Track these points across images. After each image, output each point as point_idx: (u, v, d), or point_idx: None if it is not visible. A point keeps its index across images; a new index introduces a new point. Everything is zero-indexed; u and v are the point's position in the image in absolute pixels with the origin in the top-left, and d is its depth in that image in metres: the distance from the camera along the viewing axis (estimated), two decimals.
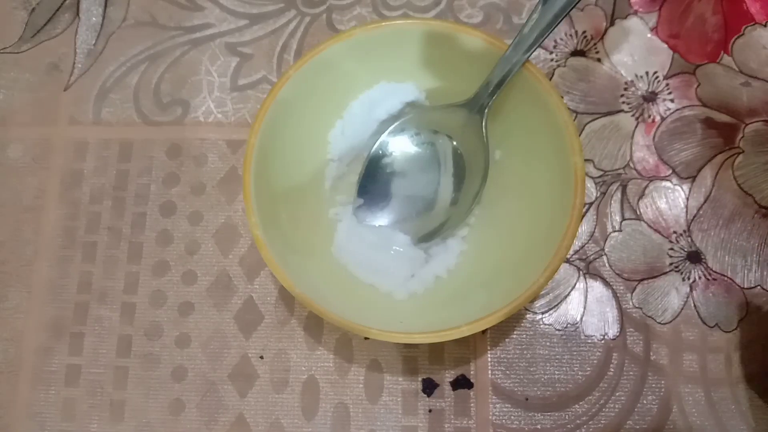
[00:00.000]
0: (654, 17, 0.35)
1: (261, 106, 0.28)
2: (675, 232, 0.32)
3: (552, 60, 0.35)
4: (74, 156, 0.34)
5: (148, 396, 0.30)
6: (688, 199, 0.32)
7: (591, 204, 0.32)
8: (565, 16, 0.27)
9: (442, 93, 0.31)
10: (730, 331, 0.30)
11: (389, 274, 0.29)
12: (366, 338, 0.31)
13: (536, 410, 0.29)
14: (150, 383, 0.31)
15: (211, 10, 0.37)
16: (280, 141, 0.28)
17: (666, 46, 0.35)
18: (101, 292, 0.32)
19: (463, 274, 0.29)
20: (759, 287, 0.31)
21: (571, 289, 0.31)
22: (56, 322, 0.32)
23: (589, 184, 0.32)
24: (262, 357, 0.31)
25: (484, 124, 0.29)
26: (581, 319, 0.31)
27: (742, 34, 0.34)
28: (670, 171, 0.32)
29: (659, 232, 0.32)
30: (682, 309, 0.31)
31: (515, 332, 0.31)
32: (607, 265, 0.31)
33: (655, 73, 0.34)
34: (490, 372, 0.30)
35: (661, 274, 0.31)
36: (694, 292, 0.31)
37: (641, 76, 0.34)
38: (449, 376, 0.30)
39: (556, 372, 0.30)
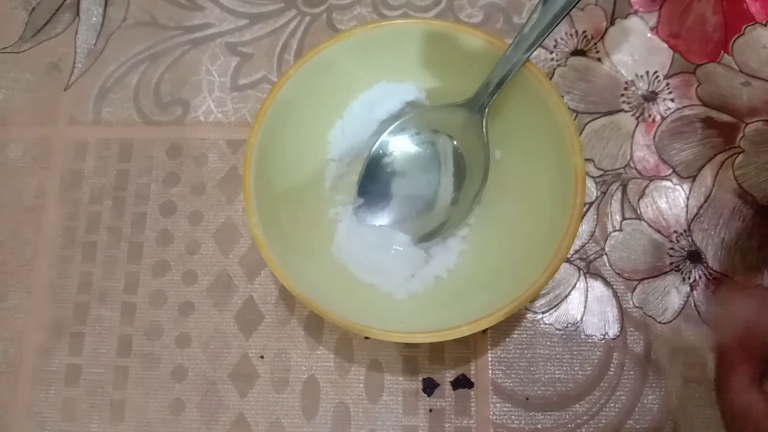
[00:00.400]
0: (654, 17, 0.35)
1: (261, 106, 0.28)
2: (675, 232, 0.32)
3: (552, 60, 0.35)
4: (74, 156, 0.34)
5: (149, 396, 0.30)
6: (688, 198, 0.32)
7: (591, 204, 0.32)
8: (566, 15, 0.27)
9: (442, 93, 0.31)
10: None
11: (389, 274, 0.29)
12: (366, 338, 0.31)
13: (537, 410, 0.29)
14: (150, 383, 0.31)
15: (211, 10, 0.37)
16: (280, 141, 0.28)
17: (666, 45, 0.35)
18: (101, 292, 0.32)
19: (463, 274, 0.29)
20: (759, 287, 0.31)
21: (572, 289, 0.31)
22: (56, 322, 0.32)
23: (590, 184, 0.32)
24: (262, 357, 0.31)
25: (484, 123, 0.29)
26: (581, 318, 0.31)
27: (743, 34, 0.34)
28: (671, 170, 0.32)
29: (659, 232, 0.32)
30: (682, 308, 0.31)
31: (515, 332, 0.31)
32: (607, 264, 0.31)
33: (656, 72, 0.34)
34: (490, 371, 0.30)
35: (661, 274, 0.31)
36: (694, 291, 0.31)
37: (641, 76, 0.34)
38: (450, 375, 0.30)
39: (557, 371, 0.30)
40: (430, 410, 0.30)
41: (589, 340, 0.30)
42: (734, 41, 0.34)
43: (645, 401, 0.29)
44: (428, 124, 0.30)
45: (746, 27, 0.35)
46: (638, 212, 0.32)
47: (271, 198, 0.28)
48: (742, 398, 0.16)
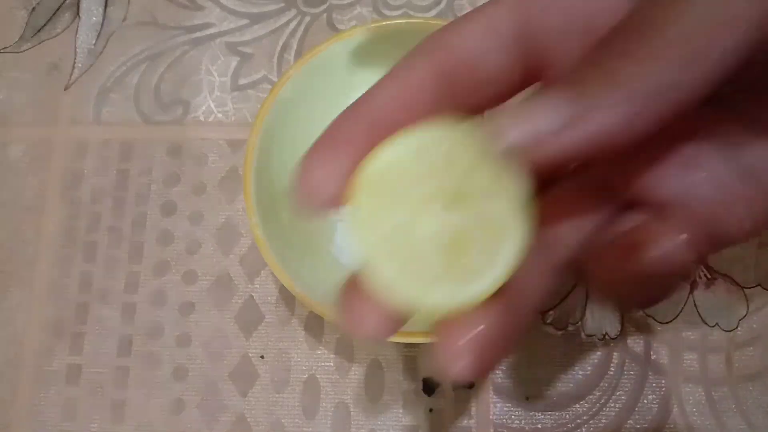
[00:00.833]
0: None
1: (261, 106, 0.28)
2: None
3: None
4: (74, 156, 0.34)
5: (149, 396, 0.30)
6: None
7: None
8: None
9: None
10: (730, 331, 0.30)
11: None
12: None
13: (537, 410, 0.29)
14: (151, 383, 0.31)
15: (211, 10, 0.37)
16: (281, 141, 0.28)
17: None
18: (102, 291, 0.32)
19: None
20: (759, 287, 0.31)
21: (572, 289, 0.31)
22: (57, 321, 0.32)
23: None
24: (262, 356, 0.31)
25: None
26: (581, 318, 0.31)
27: None
28: None
29: None
30: (682, 309, 0.31)
31: None
32: None
33: None
34: None
35: None
36: (694, 291, 0.31)
37: None
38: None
39: (557, 371, 0.30)
40: (430, 410, 0.30)
41: (589, 341, 0.30)
42: None
43: (645, 401, 0.29)
44: None
45: None
46: None
47: (271, 198, 0.28)
48: None
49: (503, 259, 0.14)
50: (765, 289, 0.31)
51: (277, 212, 0.28)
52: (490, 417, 0.29)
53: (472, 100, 0.16)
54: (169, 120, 0.35)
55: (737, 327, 0.30)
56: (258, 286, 0.32)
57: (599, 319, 0.31)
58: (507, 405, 0.30)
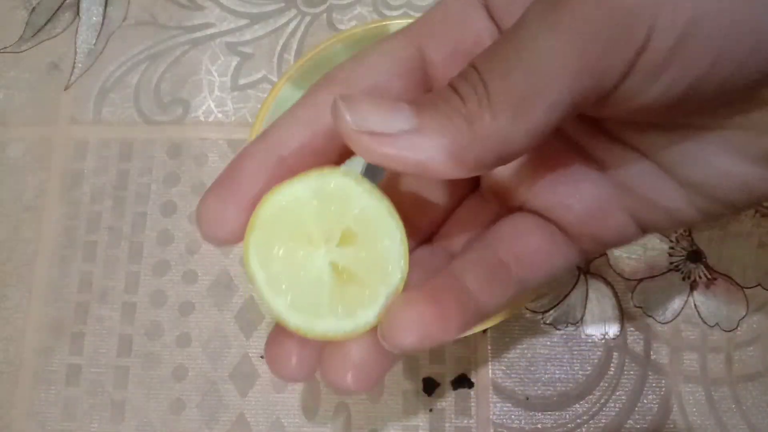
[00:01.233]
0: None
1: (261, 106, 0.28)
2: (675, 232, 0.32)
3: None
4: (74, 156, 0.34)
5: (149, 395, 0.30)
6: None
7: None
8: None
9: None
10: (730, 331, 0.30)
11: None
12: None
13: (537, 409, 0.29)
14: (151, 383, 0.31)
15: (211, 10, 0.37)
16: None
17: None
18: (102, 291, 0.32)
19: None
20: (759, 287, 0.31)
21: (572, 289, 0.31)
22: (56, 321, 0.32)
23: None
24: (262, 357, 0.31)
25: None
26: (581, 318, 0.31)
27: None
28: None
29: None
30: (682, 308, 0.31)
31: (516, 332, 0.31)
32: (607, 264, 0.31)
33: None
34: (490, 371, 0.30)
35: (661, 274, 0.31)
36: (694, 291, 0.31)
37: None
38: (450, 375, 0.30)
39: (557, 371, 0.30)
40: (431, 410, 0.30)
41: (589, 340, 0.30)
42: None
43: (645, 401, 0.29)
44: None
45: None
46: None
47: None
48: None
49: (384, 294, 0.16)
50: (765, 289, 0.31)
51: None
52: (490, 417, 0.29)
53: None
54: (169, 120, 0.35)
55: (737, 327, 0.30)
56: None
57: (599, 319, 0.31)
58: (507, 405, 0.30)
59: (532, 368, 0.30)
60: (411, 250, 0.16)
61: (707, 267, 0.31)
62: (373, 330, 0.16)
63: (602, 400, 0.29)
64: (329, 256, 0.16)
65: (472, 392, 0.30)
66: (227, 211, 0.16)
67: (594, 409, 0.29)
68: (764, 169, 0.15)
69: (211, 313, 0.31)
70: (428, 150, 0.14)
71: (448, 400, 0.30)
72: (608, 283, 0.31)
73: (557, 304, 0.31)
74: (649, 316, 0.31)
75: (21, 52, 0.37)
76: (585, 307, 0.31)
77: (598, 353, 0.30)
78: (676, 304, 0.31)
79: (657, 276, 0.31)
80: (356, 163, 0.22)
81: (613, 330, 0.30)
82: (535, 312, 0.31)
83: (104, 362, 0.31)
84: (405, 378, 0.30)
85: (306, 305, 0.16)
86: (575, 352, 0.30)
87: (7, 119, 0.35)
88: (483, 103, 0.14)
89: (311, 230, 0.16)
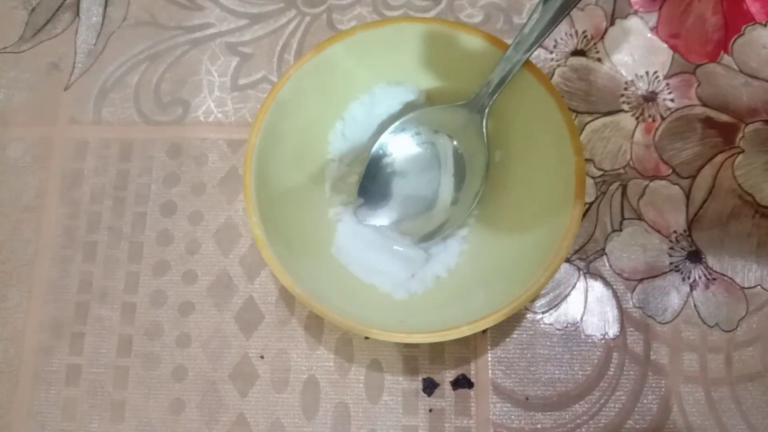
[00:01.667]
0: (654, 17, 0.35)
1: (261, 106, 0.28)
2: (675, 232, 0.32)
3: (552, 60, 0.35)
4: (74, 156, 0.34)
5: (149, 396, 0.30)
6: (688, 198, 0.32)
7: (591, 204, 0.32)
8: (566, 15, 0.27)
9: (442, 93, 0.31)
10: (730, 331, 0.30)
11: (389, 274, 0.30)
12: (366, 338, 0.31)
13: (536, 410, 0.29)
14: (150, 383, 0.31)
15: (211, 10, 0.37)
16: (281, 141, 0.28)
17: (666, 45, 0.35)
18: (102, 291, 0.32)
19: (464, 274, 0.29)
20: (759, 287, 0.31)
21: (572, 289, 0.31)
22: (56, 321, 0.32)
23: (589, 184, 0.32)
24: (262, 357, 0.31)
25: (484, 124, 0.29)
26: (581, 318, 0.31)
27: (743, 34, 0.35)
28: (671, 170, 0.33)
29: (659, 232, 0.32)
30: (682, 309, 0.31)
31: (515, 332, 0.31)
32: (607, 264, 0.31)
33: (655, 72, 0.34)
34: (490, 371, 0.30)
35: (661, 274, 0.31)
36: (694, 291, 0.31)
37: (641, 76, 0.34)
38: (450, 375, 0.30)
39: (557, 371, 0.30)
40: (430, 410, 0.30)
41: (589, 340, 0.30)
42: (734, 41, 0.34)
43: (645, 401, 0.29)
44: (428, 124, 0.30)
45: (746, 27, 0.35)
46: (638, 212, 0.32)
47: (271, 198, 0.28)
48: None
49: None
50: (765, 289, 0.31)
51: (277, 212, 0.28)
52: (490, 417, 0.29)
53: None
54: (169, 120, 0.35)
55: (737, 327, 0.30)
56: (258, 286, 0.32)
57: (599, 319, 0.31)
58: (507, 405, 0.30)
59: (531, 368, 0.30)
60: None
61: (707, 267, 0.31)
62: None
63: (602, 401, 0.29)
64: None
65: (471, 392, 0.30)
66: None
67: (594, 410, 0.29)
68: None
69: (211, 313, 0.31)
70: None
71: (447, 401, 0.30)
72: (608, 284, 0.31)
73: (557, 304, 0.31)
74: (649, 317, 0.31)
75: (21, 52, 0.37)
76: (585, 308, 0.31)
77: (598, 353, 0.30)
78: (676, 304, 0.31)
79: (657, 276, 0.31)
80: None
81: (612, 330, 0.30)
82: (535, 312, 0.31)
83: (104, 362, 0.31)
84: (405, 378, 0.30)
85: None
86: (575, 353, 0.30)
87: (7, 119, 0.35)
88: None
89: None
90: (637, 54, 0.35)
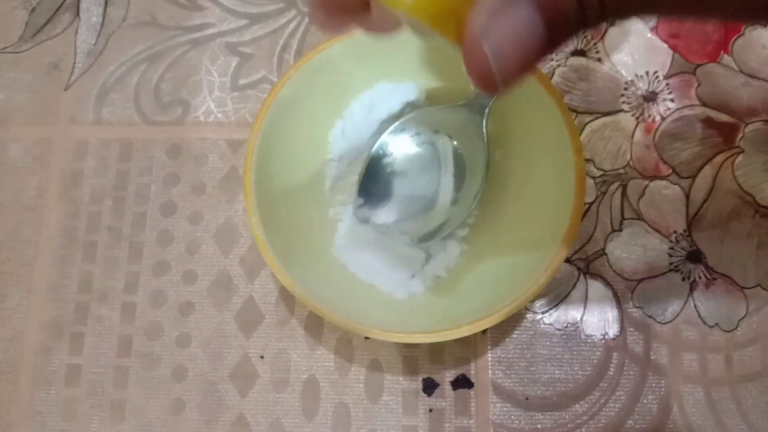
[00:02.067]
0: (654, 17, 0.35)
1: (261, 106, 0.28)
2: (675, 232, 0.32)
3: (552, 60, 0.35)
4: (74, 156, 0.34)
5: (149, 396, 0.30)
6: (688, 198, 0.32)
7: (591, 204, 0.32)
8: None
9: (442, 93, 0.31)
10: (730, 331, 0.30)
11: (389, 274, 0.30)
12: (366, 338, 0.31)
13: (536, 410, 0.29)
14: (150, 383, 0.31)
15: (211, 10, 0.37)
16: (281, 141, 0.28)
17: (666, 45, 0.35)
18: (101, 291, 0.32)
19: (463, 274, 0.29)
20: (759, 287, 0.31)
21: (572, 289, 0.31)
22: (56, 321, 0.32)
23: (589, 184, 0.32)
24: (262, 357, 0.31)
25: (484, 124, 0.29)
26: (581, 318, 0.31)
27: (742, 34, 0.35)
28: (671, 171, 0.33)
29: (659, 232, 0.32)
30: (682, 309, 0.31)
31: (515, 332, 0.31)
32: (607, 264, 0.31)
33: (655, 72, 0.34)
34: (490, 372, 0.30)
35: (661, 274, 0.31)
36: (694, 291, 0.31)
37: (641, 76, 0.34)
38: (450, 375, 0.30)
39: (557, 372, 0.30)
40: (430, 410, 0.30)
41: (589, 340, 0.30)
42: (734, 41, 0.34)
43: (645, 401, 0.29)
44: (428, 124, 0.30)
45: (746, 27, 0.35)
46: (638, 212, 0.32)
47: (271, 198, 0.28)
48: None
49: None
50: (765, 289, 0.31)
51: (277, 212, 0.28)
52: (490, 417, 0.29)
53: None
54: (169, 120, 0.35)
55: (737, 327, 0.30)
56: (258, 286, 0.32)
57: (599, 319, 0.31)
58: (507, 405, 0.30)
59: (531, 368, 0.30)
60: None
61: (707, 267, 0.31)
62: None
63: (602, 401, 0.29)
64: None
65: (471, 392, 0.30)
66: None
67: (594, 410, 0.29)
68: None
69: (211, 313, 0.31)
70: None
71: (447, 401, 0.30)
72: (608, 284, 0.31)
73: (557, 304, 0.31)
74: (649, 317, 0.31)
75: (21, 52, 0.37)
76: (585, 308, 0.31)
77: (598, 353, 0.30)
78: (676, 304, 0.31)
79: (657, 276, 0.31)
80: None
81: (612, 330, 0.30)
82: (535, 312, 0.31)
83: (104, 362, 0.31)
84: (405, 378, 0.30)
85: None
86: (575, 353, 0.30)
87: (7, 119, 0.35)
88: None
89: None
90: (637, 54, 0.35)
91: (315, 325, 0.31)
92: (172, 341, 0.31)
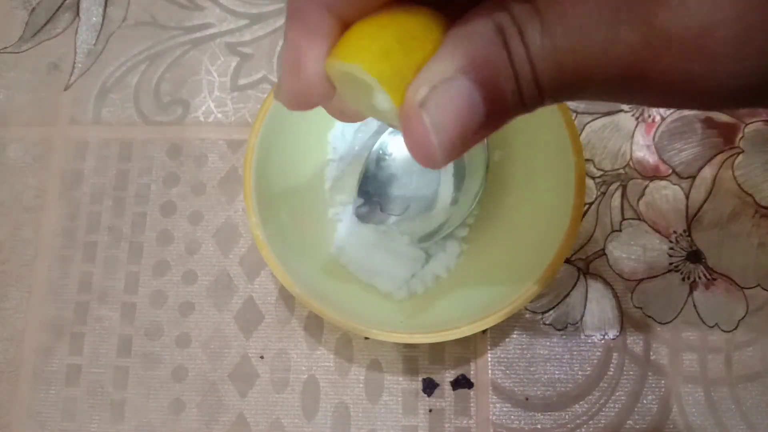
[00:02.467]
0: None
1: (261, 106, 0.28)
2: (675, 232, 0.32)
3: None
4: (74, 156, 0.34)
5: (149, 396, 0.30)
6: (688, 198, 0.32)
7: (591, 204, 0.32)
8: None
9: None
10: (730, 331, 0.30)
11: (389, 274, 0.30)
12: (366, 338, 0.31)
13: (536, 410, 0.29)
14: (150, 383, 0.31)
15: (211, 10, 0.37)
16: (281, 141, 0.28)
17: None
18: (101, 291, 0.32)
19: (463, 274, 0.29)
20: (759, 287, 0.31)
21: (571, 289, 0.31)
22: (56, 321, 0.32)
23: (589, 184, 0.32)
24: (262, 357, 0.31)
25: None
26: (581, 319, 0.31)
27: None
28: (671, 171, 0.33)
29: (659, 232, 0.32)
30: (682, 309, 0.31)
31: (515, 332, 0.31)
32: (607, 265, 0.31)
33: None
34: (490, 372, 0.30)
35: (661, 274, 0.31)
36: (694, 291, 0.31)
37: None
38: (449, 375, 0.30)
39: (556, 372, 0.30)
40: (430, 410, 0.30)
41: (589, 341, 0.30)
42: None
43: (645, 401, 0.29)
44: None
45: None
46: (638, 212, 0.32)
47: (271, 198, 0.28)
48: None
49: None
50: (765, 289, 0.31)
51: (277, 212, 0.28)
52: (490, 417, 0.29)
53: None
54: (169, 120, 0.35)
55: (737, 327, 0.30)
56: (257, 286, 0.32)
57: (599, 319, 0.31)
58: (506, 405, 0.30)
59: (531, 368, 0.30)
60: None
61: (707, 267, 0.31)
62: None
63: (602, 401, 0.29)
64: None
65: (471, 392, 0.30)
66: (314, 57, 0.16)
67: (593, 410, 0.29)
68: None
69: (211, 313, 0.31)
70: None
71: (447, 401, 0.30)
72: (608, 284, 0.31)
73: (557, 305, 0.31)
74: (649, 317, 0.30)
75: (21, 52, 0.37)
76: (585, 308, 0.31)
77: (598, 354, 0.30)
78: (676, 304, 0.31)
79: (657, 276, 0.31)
80: None
81: (612, 330, 0.30)
82: (534, 312, 0.31)
83: (104, 362, 0.31)
84: (405, 378, 0.30)
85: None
86: (575, 353, 0.30)
87: (7, 119, 0.35)
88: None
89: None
90: None
91: (315, 325, 0.31)
92: (171, 341, 0.31)
